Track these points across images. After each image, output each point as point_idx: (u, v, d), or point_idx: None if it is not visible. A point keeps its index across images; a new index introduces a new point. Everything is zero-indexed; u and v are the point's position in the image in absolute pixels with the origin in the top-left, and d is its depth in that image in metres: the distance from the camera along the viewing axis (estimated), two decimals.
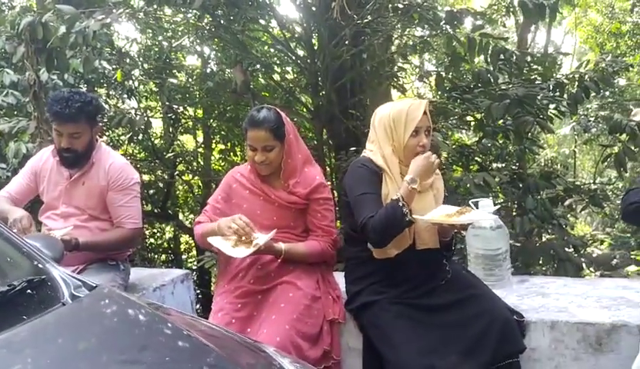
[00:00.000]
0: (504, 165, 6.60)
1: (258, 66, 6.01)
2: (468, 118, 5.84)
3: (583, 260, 5.18)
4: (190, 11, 5.47)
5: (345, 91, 5.87)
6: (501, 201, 6.06)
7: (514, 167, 6.53)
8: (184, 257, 9.75)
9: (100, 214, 2.64)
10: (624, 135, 5.00)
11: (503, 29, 11.32)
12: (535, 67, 6.05)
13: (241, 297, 2.22)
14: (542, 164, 9.90)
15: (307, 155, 2.45)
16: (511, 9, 7.00)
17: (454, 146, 6.59)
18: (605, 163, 6.47)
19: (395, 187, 2.14)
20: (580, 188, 5.76)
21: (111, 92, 7.06)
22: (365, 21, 5.30)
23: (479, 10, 7.21)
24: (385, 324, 2.10)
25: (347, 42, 5.29)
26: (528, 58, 5.96)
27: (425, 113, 2.18)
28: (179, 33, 6.72)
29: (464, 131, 7.76)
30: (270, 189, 2.35)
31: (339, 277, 2.40)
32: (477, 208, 2.33)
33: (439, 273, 2.21)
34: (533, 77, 5.74)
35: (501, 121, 5.39)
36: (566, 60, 13.18)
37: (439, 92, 6.34)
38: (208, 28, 5.59)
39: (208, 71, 7.12)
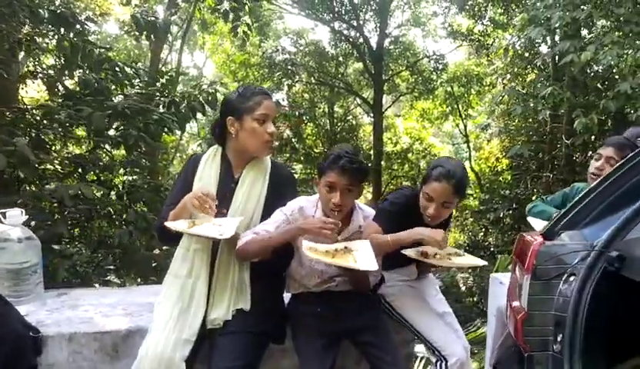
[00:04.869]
0: (137, 177, 6.53)
1: None
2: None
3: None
4: None
5: None
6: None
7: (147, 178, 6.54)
8: None
9: None
10: None
11: (137, 43, 11.42)
12: (150, 82, 6.17)
13: None
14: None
15: None
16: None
17: (67, 156, 6.21)
18: None
19: None
20: None
21: None
22: None
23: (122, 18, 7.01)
24: None
25: None
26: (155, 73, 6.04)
27: None
28: None
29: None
30: None
31: None
32: (5, 219, 2.16)
33: None
34: (152, 92, 5.87)
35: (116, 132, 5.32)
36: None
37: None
38: None
39: None
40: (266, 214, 2.11)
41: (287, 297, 2.29)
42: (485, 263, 2.21)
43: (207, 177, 2.14)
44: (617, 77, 7.25)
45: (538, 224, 2.50)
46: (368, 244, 2.00)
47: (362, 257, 1.92)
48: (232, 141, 2.15)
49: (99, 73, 5.00)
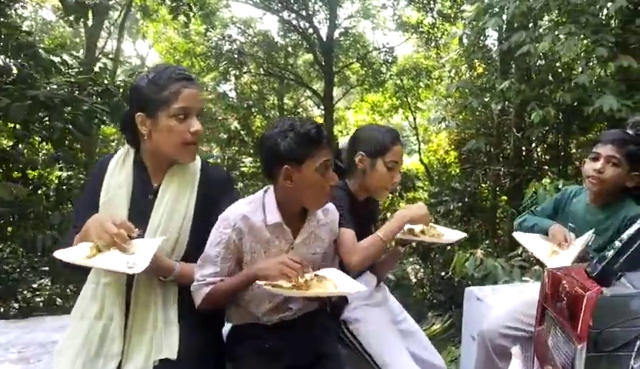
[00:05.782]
0: (72, 173, 6.08)
1: None
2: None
3: None
4: None
5: None
6: None
7: (81, 176, 6.06)
8: None
9: None
10: None
11: (74, 30, 10.70)
12: (84, 70, 5.70)
13: None
14: None
15: None
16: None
17: None
18: None
19: None
20: None
21: None
22: None
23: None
24: None
25: None
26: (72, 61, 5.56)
27: None
28: None
29: None
30: None
31: None
32: None
33: None
34: (84, 81, 5.37)
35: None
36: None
37: None
38: None
39: None
40: (197, 231, 1.66)
41: (226, 328, 1.82)
42: (465, 234, 2.05)
43: (115, 188, 1.66)
44: (560, 70, 7.20)
45: (530, 241, 2.16)
46: (338, 270, 1.70)
47: (341, 280, 1.58)
48: (146, 142, 1.68)
49: (17, 59, 4.47)
